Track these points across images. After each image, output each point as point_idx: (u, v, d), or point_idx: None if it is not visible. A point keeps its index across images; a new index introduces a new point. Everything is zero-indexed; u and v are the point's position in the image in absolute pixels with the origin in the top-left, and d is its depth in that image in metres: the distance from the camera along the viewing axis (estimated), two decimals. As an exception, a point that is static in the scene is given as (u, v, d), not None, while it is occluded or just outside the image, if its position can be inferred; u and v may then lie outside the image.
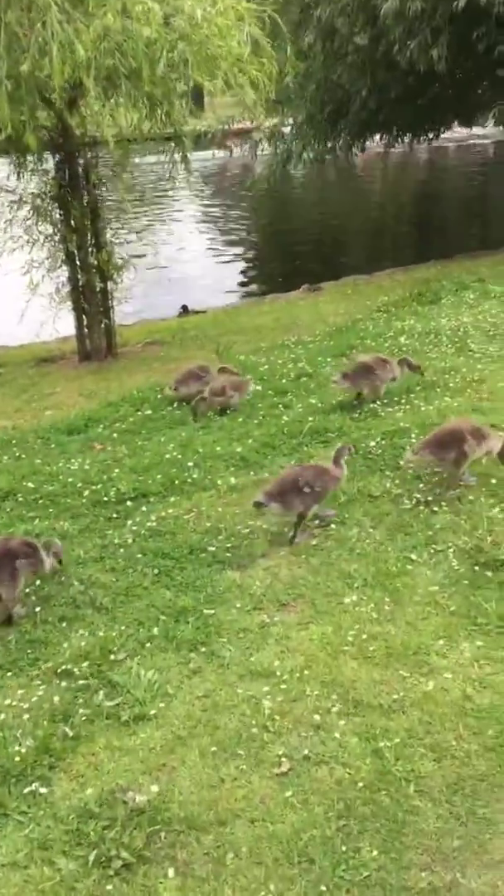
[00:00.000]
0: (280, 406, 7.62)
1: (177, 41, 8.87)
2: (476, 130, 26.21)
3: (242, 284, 19.54)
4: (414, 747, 3.44)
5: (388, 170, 34.22)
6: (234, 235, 24.08)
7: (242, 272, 20.50)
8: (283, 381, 8.46)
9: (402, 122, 20.04)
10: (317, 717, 3.65)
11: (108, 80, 9.04)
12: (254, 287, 19.26)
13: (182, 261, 21.03)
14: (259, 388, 8.33)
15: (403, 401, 7.33)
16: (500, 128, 18.16)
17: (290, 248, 23.17)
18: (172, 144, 11.67)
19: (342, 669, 3.95)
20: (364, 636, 4.16)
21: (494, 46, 14.12)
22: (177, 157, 11.82)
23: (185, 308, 16.66)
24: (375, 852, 2.98)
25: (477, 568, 4.69)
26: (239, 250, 22.51)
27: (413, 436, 6.37)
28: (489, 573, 4.62)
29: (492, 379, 7.68)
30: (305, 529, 5.21)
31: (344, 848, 3.01)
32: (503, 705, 3.63)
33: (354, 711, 3.68)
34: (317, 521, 5.32)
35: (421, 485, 5.68)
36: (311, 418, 7.02)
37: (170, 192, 30.80)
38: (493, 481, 5.63)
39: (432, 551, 4.91)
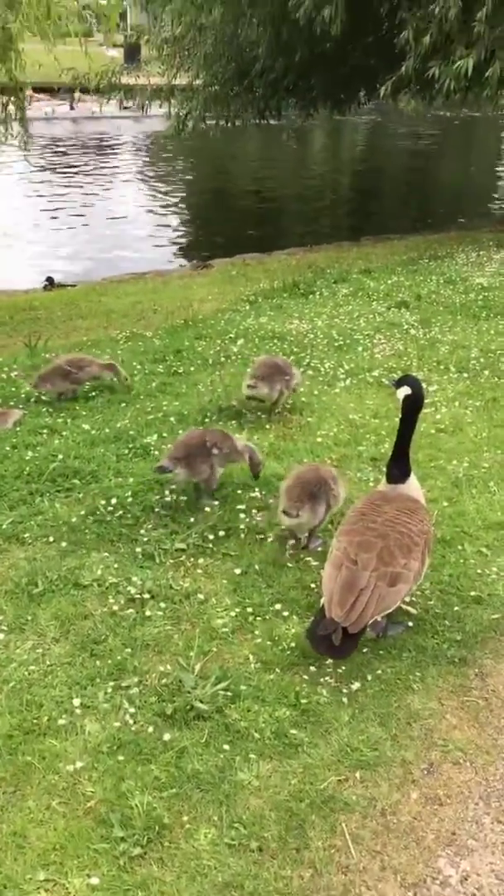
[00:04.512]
0: (44, 432, 6.08)
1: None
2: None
3: (173, 252, 17.84)
4: None
5: (347, 136, 32.29)
6: (164, 199, 22.15)
7: (163, 238, 18.72)
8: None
9: (319, 90, 18.44)
10: None
11: None
12: (167, 256, 17.56)
13: (103, 223, 19.09)
14: (43, 399, 6.80)
15: (188, 435, 5.90)
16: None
17: (219, 215, 21.40)
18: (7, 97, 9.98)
19: None
20: None
21: (396, 10, 12.61)
22: (11, 110, 10.12)
23: (50, 280, 14.87)
24: None
25: (159, 722, 3.31)
26: (166, 216, 20.65)
27: (173, 488, 4.97)
28: (170, 733, 3.23)
29: (308, 408, 6.30)
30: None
31: None
32: None
33: None
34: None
35: (147, 570, 4.27)
36: (61, 455, 5.51)
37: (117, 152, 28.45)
38: (238, 571, 4.25)
39: (111, 688, 3.50)
